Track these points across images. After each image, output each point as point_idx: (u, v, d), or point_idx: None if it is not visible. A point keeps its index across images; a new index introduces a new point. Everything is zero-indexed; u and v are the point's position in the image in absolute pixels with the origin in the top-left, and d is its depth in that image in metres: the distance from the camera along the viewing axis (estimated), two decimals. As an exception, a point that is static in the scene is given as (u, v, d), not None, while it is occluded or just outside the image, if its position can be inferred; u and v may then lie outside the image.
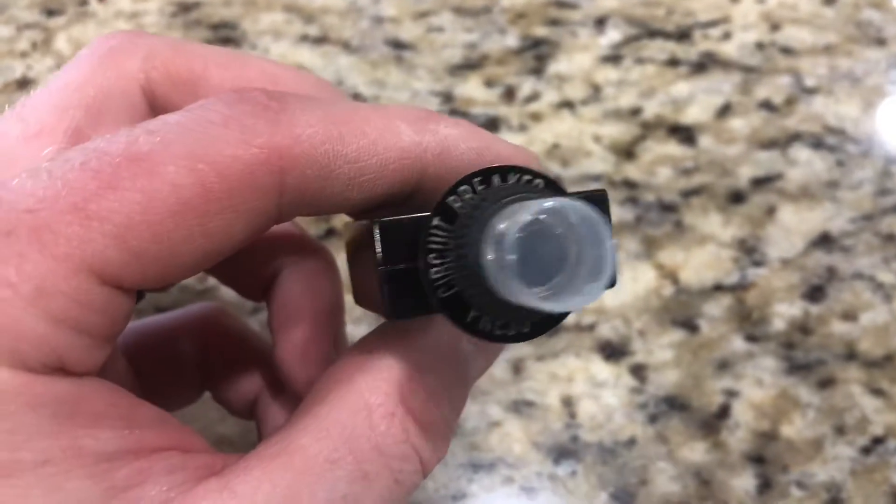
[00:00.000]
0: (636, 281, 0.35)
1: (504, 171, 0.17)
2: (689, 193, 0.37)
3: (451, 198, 0.16)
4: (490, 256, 0.15)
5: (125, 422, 0.16)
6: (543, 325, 0.17)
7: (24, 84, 0.37)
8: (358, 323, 0.33)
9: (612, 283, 0.17)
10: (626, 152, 0.37)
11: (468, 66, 0.39)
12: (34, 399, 0.15)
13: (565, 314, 0.17)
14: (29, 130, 0.20)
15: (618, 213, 0.36)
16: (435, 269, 0.16)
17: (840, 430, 0.32)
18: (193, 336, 0.25)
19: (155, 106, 0.21)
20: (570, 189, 0.32)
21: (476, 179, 0.17)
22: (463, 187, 0.16)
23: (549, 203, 0.15)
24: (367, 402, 0.18)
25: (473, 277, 0.16)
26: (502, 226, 0.15)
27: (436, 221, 0.16)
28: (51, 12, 0.39)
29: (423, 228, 0.16)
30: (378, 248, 0.17)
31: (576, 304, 0.15)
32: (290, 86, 0.22)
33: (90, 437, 0.16)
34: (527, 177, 0.17)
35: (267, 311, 0.24)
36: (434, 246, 0.16)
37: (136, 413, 0.17)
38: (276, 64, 0.22)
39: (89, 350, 0.16)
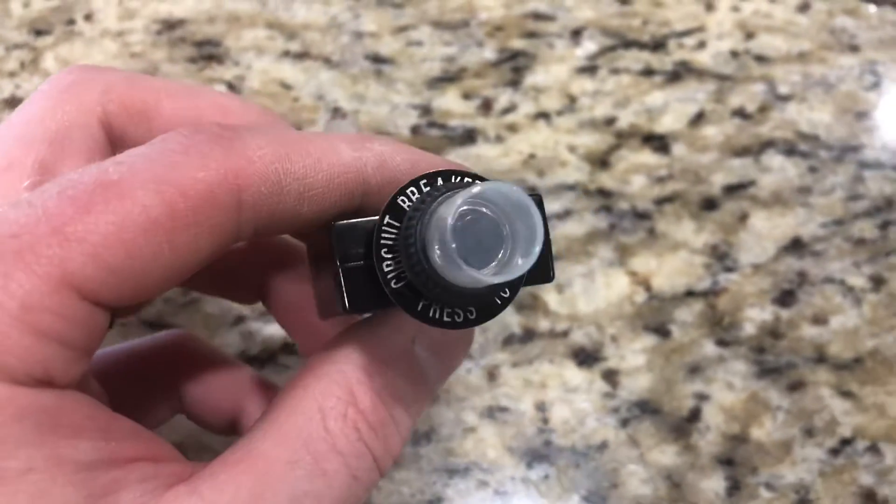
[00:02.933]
0: (609, 287, 0.35)
1: (446, 174, 0.19)
2: (662, 201, 0.37)
3: (400, 198, 0.18)
4: (435, 246, 0.17)
5: (102, 433, 0.17)
6: (489, 310, 0.19)
7: (12, 103, 0.38)
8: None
9: (548, 279, 0.20)
10: (601, 161, 0.38)
11: (446, 78, 0.40)
12: (19, 411, 0.16)
13: (509, 301, 0.19)
14: None
15: (592, 221, 0.37)
16: (386, 262, 0.18)
17: (809, 432, 0.32)
18: (164, 361, 0.26)
19: (112, 137, 0.23)
20: (551, 195, 0.32)
21: (422, 182, 0.19)
22: (410, 189, 0.18)
23: (476, 189, 0.17)
24: (320, 405, 0.19)
25: (419, 267, 0.17)
26: (442, 216, 0.17)
27: (386, 220, 0.18)
28: (39, 32, 0.40)
29: (376, 227, 0.18)
30: (335, 247, 0.19)
31: (513, 274, 0.17)
32: (238, 113, 0.23)
33: (70, 447, 0.17)
34: (467, 178, 0.19)
35: (270, 312, 0.26)
36: (385, 242, 0.18)
37: (112, 425, 0.18)
38: (224, 95, 0.24)
39: (71, 362, 0.17)
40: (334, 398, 0.19)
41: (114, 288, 0.17)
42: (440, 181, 0.19)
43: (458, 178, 0.19)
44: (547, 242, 0.19)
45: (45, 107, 0.22)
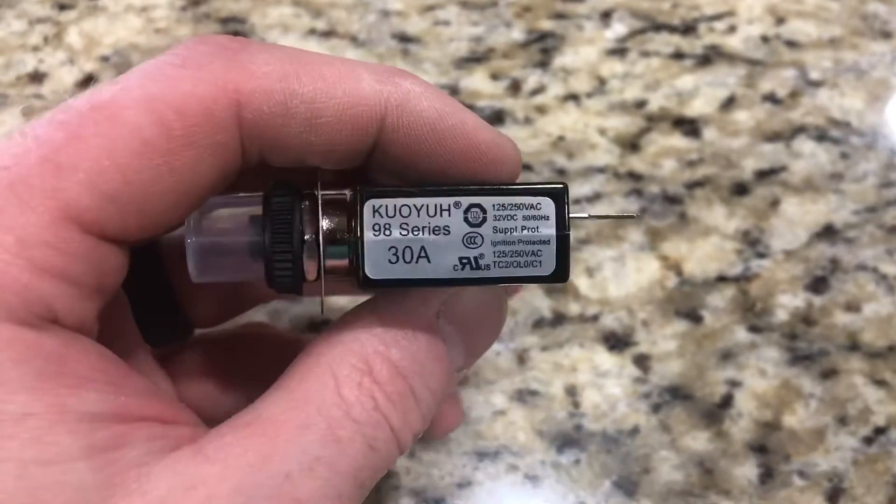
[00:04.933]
0: (640, 272, 0.35)
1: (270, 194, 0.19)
2: (693, 185, 0.37)
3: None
4: None
5: (112, 387, 0.17)
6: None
7: (35, 77, 0.38)
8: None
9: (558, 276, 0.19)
10: (631, 144, 0.38)
11: (474, 59, 0.40)
12: (19, 353, 0.15)
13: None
14: None
15: (622, 204, 0.36)
16: None
17: (842, 421, 0.32)
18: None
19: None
20: (580, 178, 0.32)
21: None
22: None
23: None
24: (334, 373, 0.18)
25: None
26: None
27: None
28: (62, 7, 0.40)
29: None
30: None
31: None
32: None
33: (74, 396, 0.16)
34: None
35: None
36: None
37: (124, 381, 0.17)
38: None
39: (78, 300, 0.16)
40: (349, 366, 0.18)
41: (116, 218, 0.16)
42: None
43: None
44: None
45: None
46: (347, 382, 0.18)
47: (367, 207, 0.18)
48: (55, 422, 0.15)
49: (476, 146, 0.19)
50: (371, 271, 0.18)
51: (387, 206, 0.18)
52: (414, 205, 0.19)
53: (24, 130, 0.16)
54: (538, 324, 0.34)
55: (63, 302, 0.16)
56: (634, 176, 0.37)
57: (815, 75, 0.40)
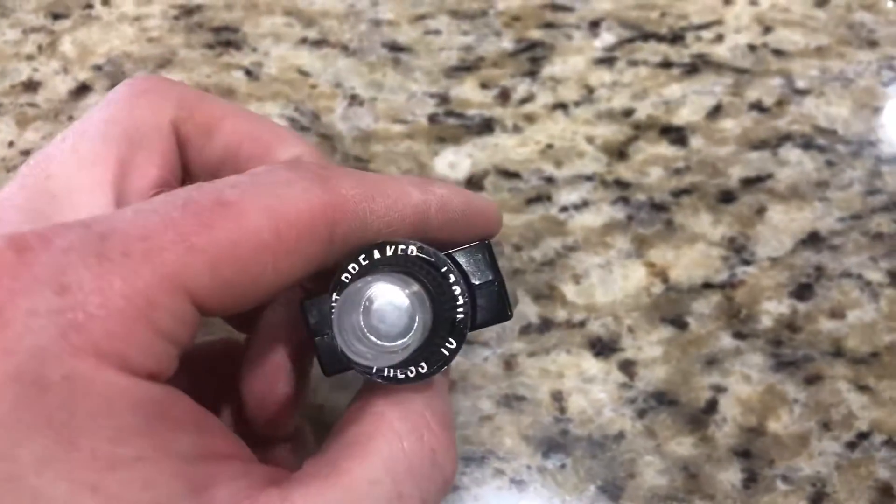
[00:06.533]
0: (627, 279, 0.35)
1: (382, 245, 0.21)
2: (679, 193, 0.37)
3: (344, 275, 0.20)
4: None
5: (197, 428, 0.19)
6: (438, 363, 0.21)
7: (29, 86, 0.38)
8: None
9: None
10: (619, 153, 0.38)
11: (464, 68, 0.40)
12: (135, 401, 0.17)
13: (457, 350, 0.21)
14: (84, 161, 0.24)
15: (609, 212, 0.37)
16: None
17: (826, 426, 0.32)
18: (214, 365, 0.27)
19: (178, 142, 0.25)
20: (568, 186, 0.32)
21: (361, 256, 0.20)
22: (351, 265, 0.20)
23: (350, 288, 0.19)
24: (397, 430, 0.20)
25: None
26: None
27: (334, 296, 0.20)
28: (56, 16, 0.40)
29: (329, 303, 0.20)
30: (307, 322, 0.22)
31: (369, 362, 0.19)
32: (290, 142, 0.26)
33: (174, 439, 0.18)
34: (402, 247, 0.21)
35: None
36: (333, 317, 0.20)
37: (204, 421, 0.19)
38: (280, 126, 0.26)
39: (174, 359, 0.19)
40: (410, 423, 0.20)
41: (219, 298, 0.19)
42: (376, 254, 0.20)
43: (393, 250, 0.20)
44: (501, 284, 0.21)
45: (125, 108, 0.24)
46: (410, 438, 0.20)
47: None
48: (162, 465, 0.17)
49: (489, 219, 0.24)
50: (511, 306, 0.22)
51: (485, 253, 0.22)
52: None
53: (156, 209, 0.18)
54: (525, 330, 0.34)
55: (166, 359, 0.18)
56: (621, 184, 0.37)
57: (801, 84, 0.41)
